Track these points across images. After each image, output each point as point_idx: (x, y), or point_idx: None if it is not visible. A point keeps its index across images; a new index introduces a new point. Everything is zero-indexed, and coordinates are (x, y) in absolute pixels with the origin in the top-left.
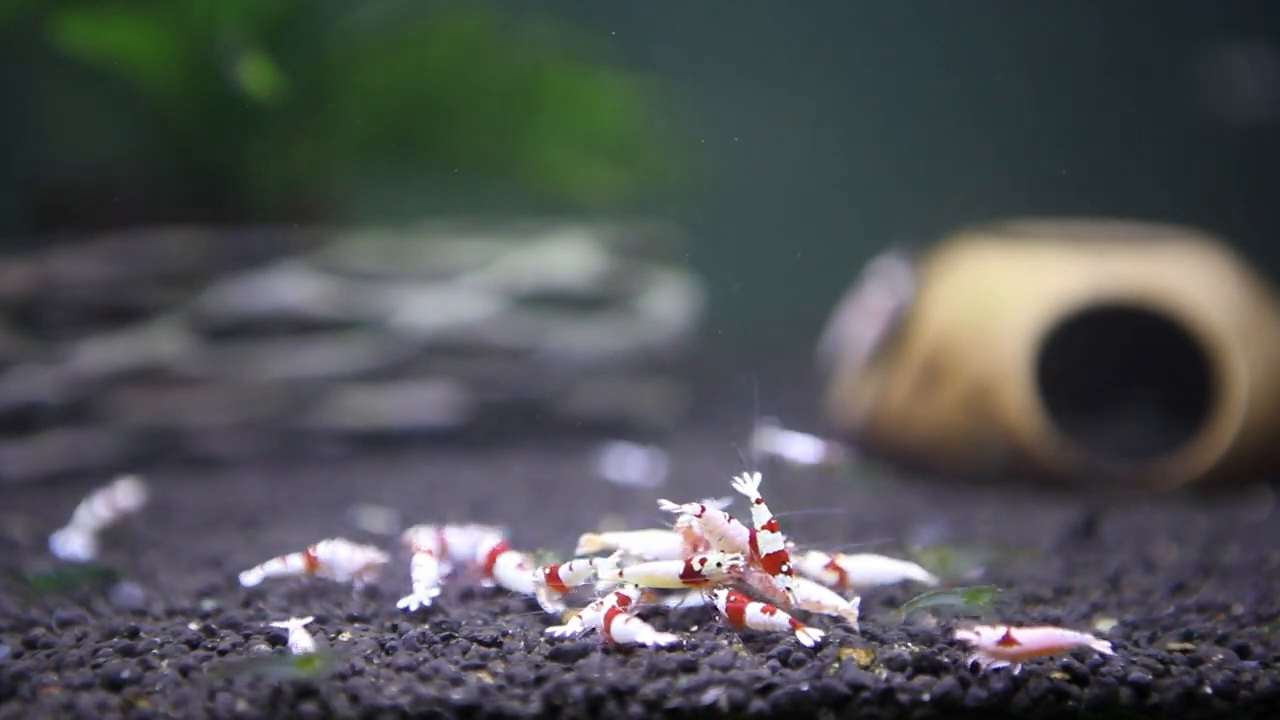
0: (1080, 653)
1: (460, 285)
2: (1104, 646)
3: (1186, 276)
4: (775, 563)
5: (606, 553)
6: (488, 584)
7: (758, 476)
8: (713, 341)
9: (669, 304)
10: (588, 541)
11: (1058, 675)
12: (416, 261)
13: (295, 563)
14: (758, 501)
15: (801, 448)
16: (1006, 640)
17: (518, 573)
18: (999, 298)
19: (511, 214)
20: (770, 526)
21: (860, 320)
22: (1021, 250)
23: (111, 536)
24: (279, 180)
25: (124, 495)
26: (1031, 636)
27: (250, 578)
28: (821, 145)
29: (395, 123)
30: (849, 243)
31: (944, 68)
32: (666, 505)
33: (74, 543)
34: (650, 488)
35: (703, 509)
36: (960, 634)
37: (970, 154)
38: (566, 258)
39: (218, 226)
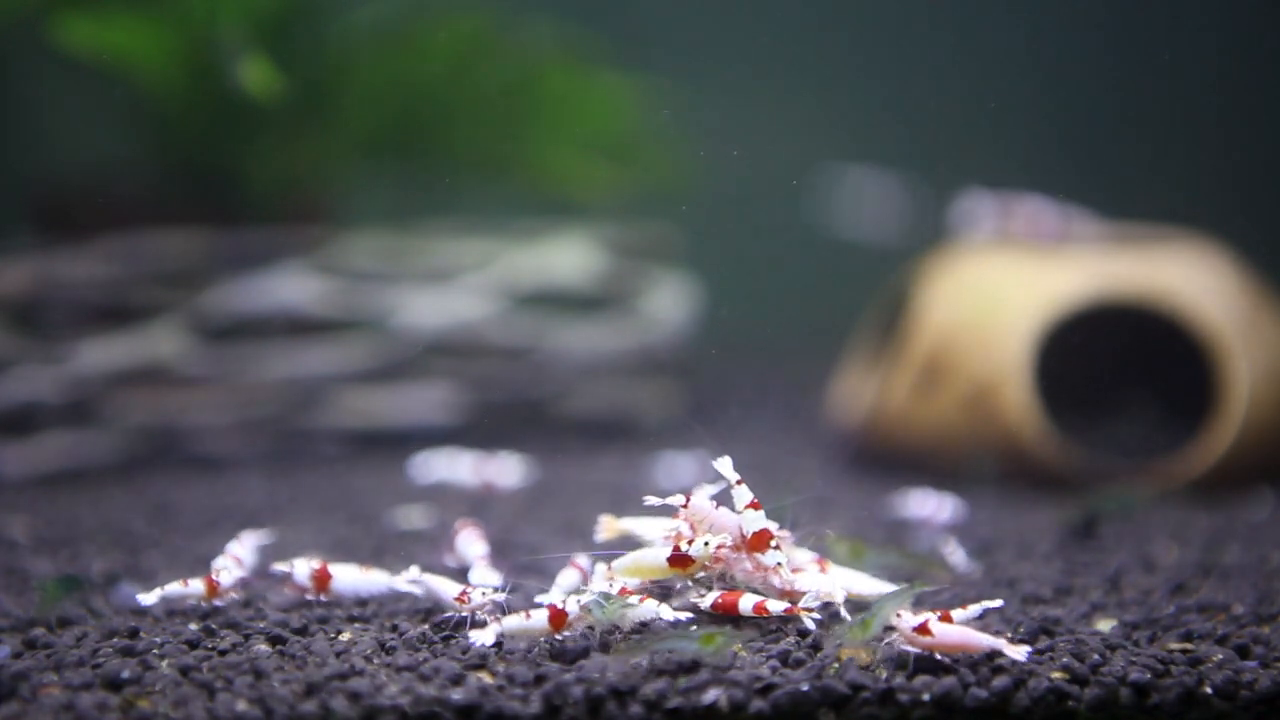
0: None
1: (460, 285)
2: (1018, 654)
3: (1187, 277)
4: (761, 540)
5: (624, 541)
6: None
7: (728, 459)
8: (711, 345)
9: (669, 304)
10: (606, 527)
11: (1057, 675)
12: (416, 261)
13: (196, 585)
14: (738, 483)
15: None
16: (921, 629)
17: (365, 577)
18: (999, 298)
19: (511, 214)
20: (754, 505)
21: (1000, 212)
22: (1022, 250)
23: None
24: (279, 180)
25: (498, 469)
26: (945, 631)
27: (148, 598)
28: (822, 144)
29: (395, 123)
30: (847, 242)
31: (945, 68)
32: (651, 500)
33: (422, 465)
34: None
35: (687, 499)
36: None
37: (971, 154)
38: (566, 258)
39: (218, 226)
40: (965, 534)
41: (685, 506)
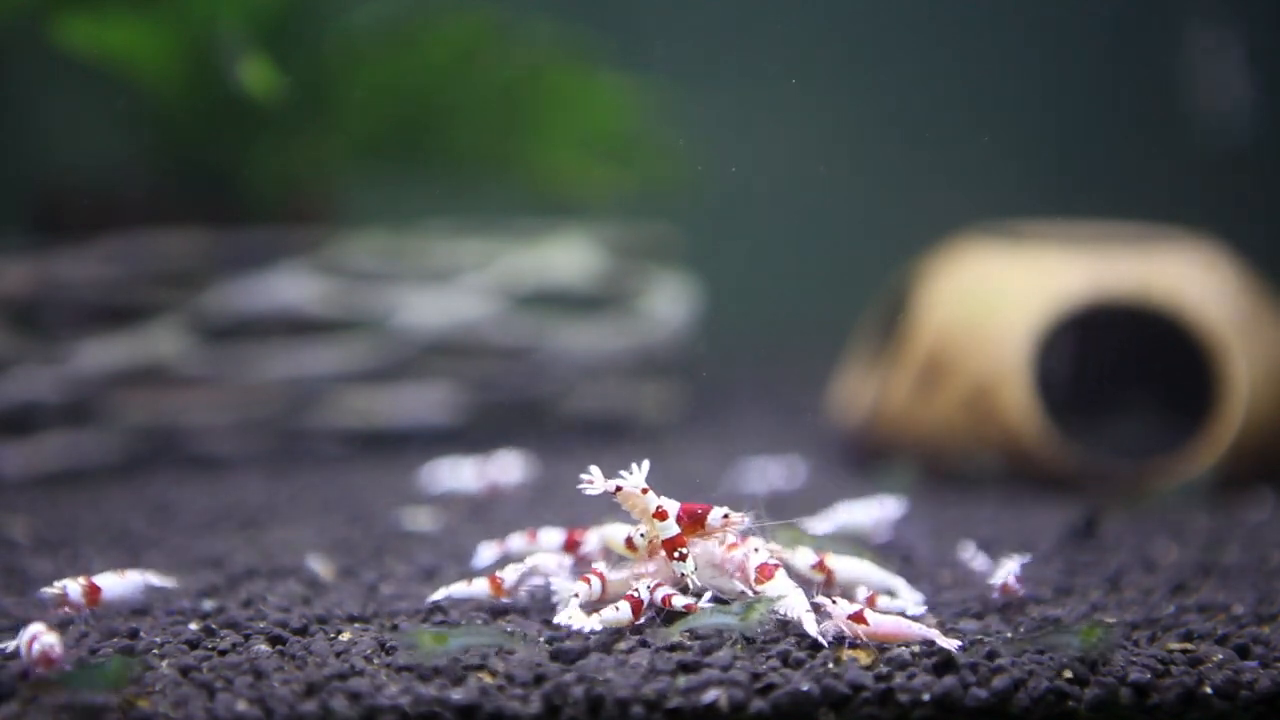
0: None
1: (460, 285)
2: (950, 644)
3: (1186, 276)
4: (670, 548)
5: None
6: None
7: (646, 464)
8: (711, 344)
9: (669, 304)
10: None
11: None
12: (416, 261)
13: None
14: (644, 491)
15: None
16: (856, 617)
17: (123, 580)
18: (999, 298)
19: (511, 214)
20: (659, 514)
21: None
22: (1021, 250)
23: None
24: (279, 180)
25: (501, 469)
26: (880, 620)
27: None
28: (822, 145)
29: (395, 123)
30: (849, 242)
31: (945, 68)
32: (592, 471)
33: (427, 476)
34: (792, 493)
35: (618, 487)
36: (818, 598)
37: (970, 154)
38: (566, 258)
39: (218, 226)
40: (965, 534)
41: (617, 493)
